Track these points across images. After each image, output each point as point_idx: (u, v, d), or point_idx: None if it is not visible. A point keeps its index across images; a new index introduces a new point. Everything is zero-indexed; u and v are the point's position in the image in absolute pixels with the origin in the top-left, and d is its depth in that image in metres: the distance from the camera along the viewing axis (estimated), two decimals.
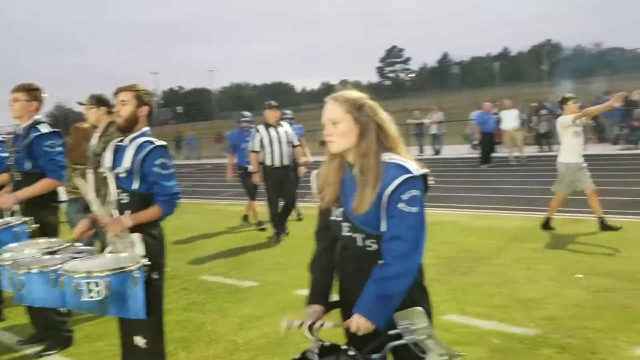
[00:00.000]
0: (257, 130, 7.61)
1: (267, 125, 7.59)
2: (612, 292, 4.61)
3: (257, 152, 7.55)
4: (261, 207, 8.51)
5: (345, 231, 2.17)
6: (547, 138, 17.18)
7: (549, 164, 14.32)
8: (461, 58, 75.95)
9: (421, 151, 19.48)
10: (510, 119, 15.46)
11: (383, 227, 2.06)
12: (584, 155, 7.08)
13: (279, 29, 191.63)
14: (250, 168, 7.93)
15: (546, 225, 7.13)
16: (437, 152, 19.22)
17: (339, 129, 2.10)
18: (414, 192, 2.03)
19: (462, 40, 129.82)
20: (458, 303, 4.68)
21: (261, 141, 7.52)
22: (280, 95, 74.24)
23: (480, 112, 16.06)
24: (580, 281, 5.01)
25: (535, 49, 56.44)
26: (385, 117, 2.16)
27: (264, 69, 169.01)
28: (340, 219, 2.18)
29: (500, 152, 16.76)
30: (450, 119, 22.55)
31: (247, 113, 9.05)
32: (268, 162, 7.53)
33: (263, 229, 8.45)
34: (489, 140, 15.62)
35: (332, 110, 2.13)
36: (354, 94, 2.16)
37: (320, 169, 2.27)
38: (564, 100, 7.14)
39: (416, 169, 2.06)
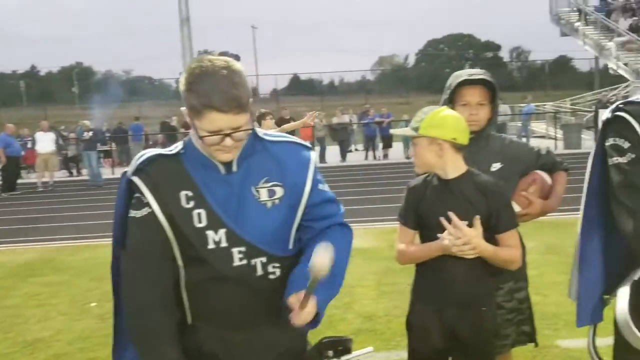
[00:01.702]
0: None
1: None
2: None
3: None
4: None
5: None
6: (75, 162, 16.96)
7: (77, 189, 14.25)
8: None
9: None
10: (46, 142, 14.59)
11: None
12: None
13: None
14: None
15: None
16: None
17: None
18: None
19: None
20: None
21: None
22: None
23: (4, 134, 14.57)
24: (93, 310, 4.95)
25: (65, 70, 55.43)
26: None
27: None
28: None
29: (27, 178, 15.65)
30: None
31: None
32: None
33: None
34: (15, 165, 14.32)
35: None
36: None
37: None
38: (263, 116, 7.12)
39: None
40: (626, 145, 1.73)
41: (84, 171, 16.03)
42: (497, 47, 60.54)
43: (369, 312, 4.47)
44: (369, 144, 18.84)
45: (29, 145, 15.76)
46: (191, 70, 1.51)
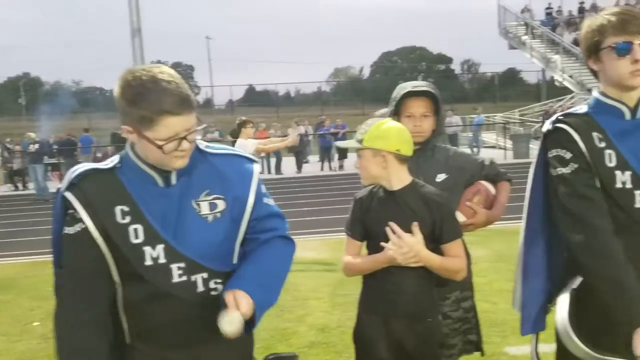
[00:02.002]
0: None
1: None
2: None
3: None
4: None
5: None
6: (21, 176, 16.36)
7: (23, 204, 13.72)
8: None
9: None
10: None
11: None
12: None
13: None
14: None
15: None
16: None
17: None
18: None
19: None
20: None
21: None
22: None
23: None
24: (36, 329, 4.75)
25: (12, 81, 53.44)
26: None
27: None
28: None
29: None
30: None
31: None
32: None
33: None
34: None
35: None
36: None
37: None
38: (243, 124, 7.03)
39: None
40: (568, 155, 1.76)
41: (30, 185, 15.48)
42: (449, 60, 61.96)
43: (323, 324, 4.44)
44: (325, 155, 18.90)
45: None
46: (127, 83, 1.46)
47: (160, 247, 1.54)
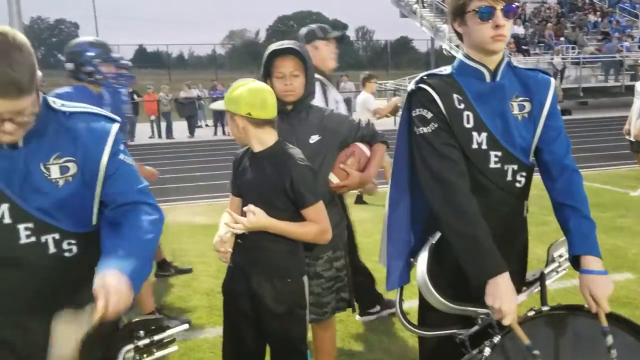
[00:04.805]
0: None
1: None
2: None
3: None
4: None
5: None
6: None
7: None
8: None
9: None
10: None
11: None
12: None
13: None
14: None
15: None
16: None
17: None
18: None
19: None
20: None
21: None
22: None
23: None
24: None
25: None
26: None
27: None
28: None
29: None
30: None
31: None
32: None
33: None
34: None
35: None
36: None
37: None
38: (368, 78, 7.49)
39: None
40: (429, 115, 1.82)
41: None
42: (345, 26, 62.44)
43: (208, 289, 4.39)
44: (218, 119, 18.53)
45: None
46: None
47: (4, 207, 1.45)
